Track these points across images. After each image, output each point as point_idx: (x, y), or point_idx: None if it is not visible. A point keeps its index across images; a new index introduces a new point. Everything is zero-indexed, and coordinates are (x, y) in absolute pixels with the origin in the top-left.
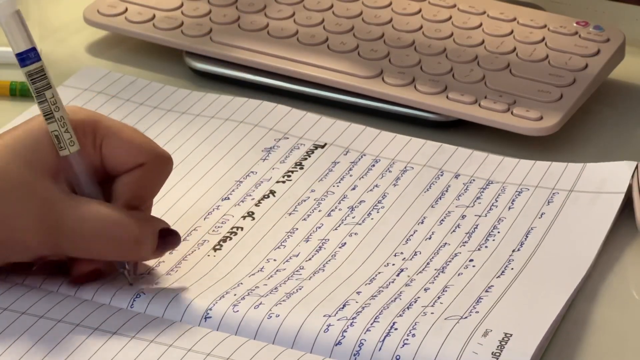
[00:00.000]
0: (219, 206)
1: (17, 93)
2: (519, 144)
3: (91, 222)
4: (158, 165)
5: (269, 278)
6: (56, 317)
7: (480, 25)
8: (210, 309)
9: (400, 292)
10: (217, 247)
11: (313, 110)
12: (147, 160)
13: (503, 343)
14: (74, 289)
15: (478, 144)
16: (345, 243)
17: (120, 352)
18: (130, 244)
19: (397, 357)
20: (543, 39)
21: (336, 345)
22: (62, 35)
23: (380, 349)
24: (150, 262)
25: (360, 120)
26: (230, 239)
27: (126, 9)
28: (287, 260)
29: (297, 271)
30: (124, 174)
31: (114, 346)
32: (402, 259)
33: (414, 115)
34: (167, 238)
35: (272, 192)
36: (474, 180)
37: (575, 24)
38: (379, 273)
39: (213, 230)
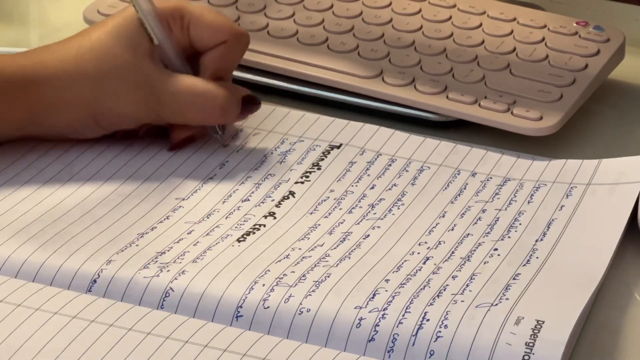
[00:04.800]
0: (239, 207)
1: None
2: (519, 144)
3: (186, 94)
4: (237, 42)
5: (295, 265)
6: (89, 318)
7: (480, 25)
8: (241, 307)
9: (429, 280)
10: (241, 239)
11: (313, 110)
12: (228, 38)
13: (536, 332)
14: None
15: (478, 144)
16: (368, 235)
17: (155, 353)
18: (219, 110)
19: (432, 352)
20: (543, 39)
21: (369, 341)
22: (62, 35)
23: (413, 344)
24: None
25: (361, 120)
26: (254, 233)
27: None
28: (312, 249)
29: (323, 258)
30: (209, 50)
31: (148, 348)
32: (427, 248)
33: (414, 115)
34: (249, 104)
35: (292, 193)
36: (491, 178)
37: (575, 24)
38: (405, 261)
39: (235, 227)
